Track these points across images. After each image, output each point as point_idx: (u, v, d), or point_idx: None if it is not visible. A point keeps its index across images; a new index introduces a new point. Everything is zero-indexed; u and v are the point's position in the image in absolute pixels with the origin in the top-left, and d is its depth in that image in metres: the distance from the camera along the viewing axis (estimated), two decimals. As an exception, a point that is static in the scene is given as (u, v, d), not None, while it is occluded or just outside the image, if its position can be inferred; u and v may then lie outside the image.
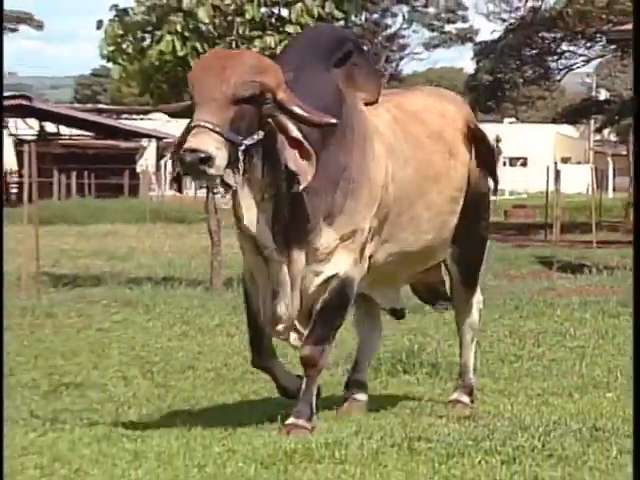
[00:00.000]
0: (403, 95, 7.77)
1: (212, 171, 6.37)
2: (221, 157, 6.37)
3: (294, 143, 6.60)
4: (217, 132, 6.38)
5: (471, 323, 8.07)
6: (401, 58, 63.98)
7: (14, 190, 43.65)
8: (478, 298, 8.11)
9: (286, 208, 6.76)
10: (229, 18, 15.86)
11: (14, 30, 43.82)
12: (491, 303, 13.89)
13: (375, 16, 57.73)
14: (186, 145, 6.35)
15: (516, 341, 11.16)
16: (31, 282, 15.95)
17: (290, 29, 15.91)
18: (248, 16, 15.77)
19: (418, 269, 7.81)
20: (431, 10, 62.31)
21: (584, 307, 13.46)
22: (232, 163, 6.46)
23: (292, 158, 6.60)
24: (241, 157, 6.47)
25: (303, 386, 7.03)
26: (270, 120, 6.58)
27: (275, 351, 7.40)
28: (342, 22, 16.66)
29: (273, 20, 16.16)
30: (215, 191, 6.61)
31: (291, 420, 6.93)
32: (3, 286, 8.10)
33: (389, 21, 60.93)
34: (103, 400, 8.42)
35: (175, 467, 6.18)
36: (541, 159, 56.76)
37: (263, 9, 15.94)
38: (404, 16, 61.13)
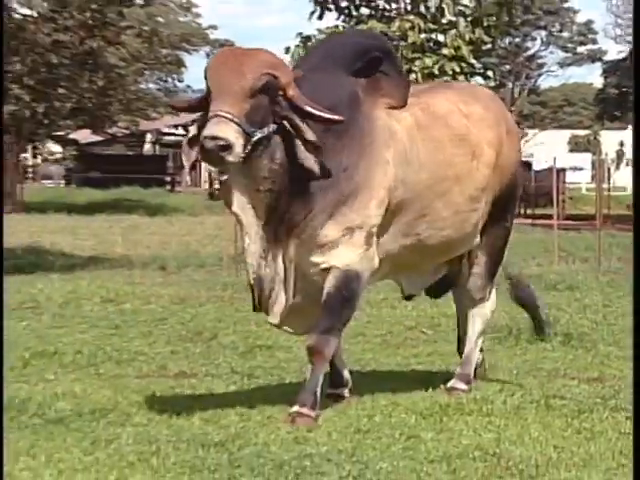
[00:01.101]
0: (434, 96, 6.84)
1: (230, 158, 5.71)
2: (239, 146, 5.70)
3: (309, 145, 5.90)
4: (235, 122, 5.71)
5: (483, 315, 7.13)
6: (539, 75, 63.02)
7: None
8: (493, 298, 7.16)
9: (283, 200, 6.00)
10: (394, 42, 15.83)
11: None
12: (616, 283, 13.64)
13: (517, 40, 56.99)
14: (206, 132, 5.69)
15: (638, 315, 10.91)
16: (230, 262, 16.14)
17: (445, 51, 15.83)
18: (410, 41, 15.74)
19: (440, 260, 6.91)
20: (565, 34, 61.25)
21: (697, 287, 13.08)
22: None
23: (308, 157, 5.91)
24: (249, 148, 5.76)
25: (308, 375, 6.25)
26: (284, 120, 5.90)
27: None
28: (490, 45, 16.54)
29: (431, 44, 16.10)
30: (218, 179, 6.01)
31: (295, 408, 6.07)
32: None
33: (529, 44, 60.11)
34: (289, 360, 8.46)
35: (348, 416, 6.20)
36: (660, 160, 55.22)
37: (423, 35, 15.89)
38: (542, 39, 60.22)
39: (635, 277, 6.10)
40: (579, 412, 6.25)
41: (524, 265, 16.32)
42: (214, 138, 5.66)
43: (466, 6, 16.13)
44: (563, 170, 38.99)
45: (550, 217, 19.66)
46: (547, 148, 51.66)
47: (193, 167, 6.14)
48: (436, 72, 15.76)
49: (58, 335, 9.35)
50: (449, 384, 6.96)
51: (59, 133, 45.78)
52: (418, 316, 10.63)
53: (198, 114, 6.05)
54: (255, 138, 5.75)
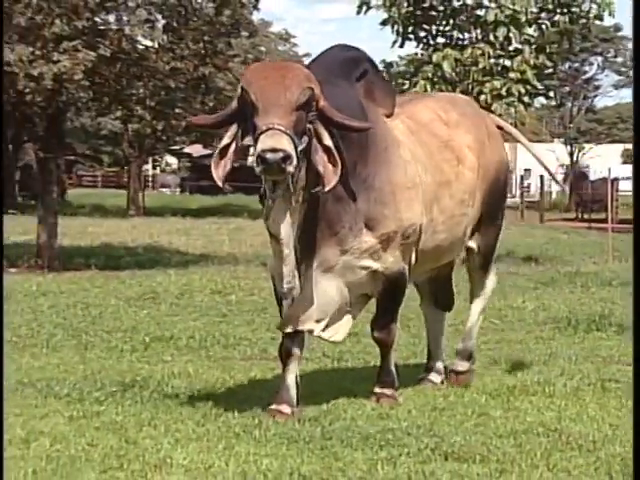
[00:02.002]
0: (415, 105, 6.32)
1: (290, 169, 5.10)
2: (295, 157, 5.14)
3: (325, 150, 5.34)
4: (288, 134, 5.15)
5: (484, 295, 6.72)
6: (595, 96, 62.16)
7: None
8: (492, 276, 6.74)
9: (315, 211, 5.49)
10: (466, 68, 15.73)
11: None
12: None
13: (576, 64, 56.29)
14: (265, 145, 5.09)
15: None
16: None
17: (512, 75, 15.66)
18: (481, 66, 15.60)
19: (430, 266, 6.35)
20: (619, 59, 60.36)
21: None
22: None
23: (322, 162, 5.32)
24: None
25: (381, 360, 6.01)
26: (309, 127, 5.33)
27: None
28: (552, 69, 16.34)
29: (499, 68, 15.94)
30: (274, 193, 5.22)
31: (377, 389, 5.93)
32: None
33: (587, 68, 59.34)
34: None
35: (426, 395, 6.17)
36: None
37: (492, 60, 15.75)
38: (598, 64, 59.39)
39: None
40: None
41: (582, 263, 16.10)
42: (274, 150, 5.08)
43: (531, 35, 15.95)
44: (616, 180, 38.32)
45: (605, 221, 19.35)
46: (602, 160, 50.95)
47: (226, 180, 5.42)
48: (504, 93, 15.62)
49: (174, 322, 9.45)
50: (452, 367, 6.59)
51: (175, 147, 46.36)
52: (487, 308, 10.52)
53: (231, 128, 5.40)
54: (300, 149, 5.21)
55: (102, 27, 15.72)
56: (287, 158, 5.10)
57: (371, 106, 5.81)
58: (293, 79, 5.28)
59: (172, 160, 61.64)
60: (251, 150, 5.29)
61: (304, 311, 5.60)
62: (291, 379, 5.73)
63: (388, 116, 5.95)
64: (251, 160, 5.25)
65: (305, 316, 5.61)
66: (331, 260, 5.60)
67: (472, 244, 6.53)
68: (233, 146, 5.42)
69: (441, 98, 6.80)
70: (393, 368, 5.99)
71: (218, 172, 5.43)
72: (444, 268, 6.61)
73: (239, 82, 5.50)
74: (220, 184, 5.45)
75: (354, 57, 5.88)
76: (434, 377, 6.59)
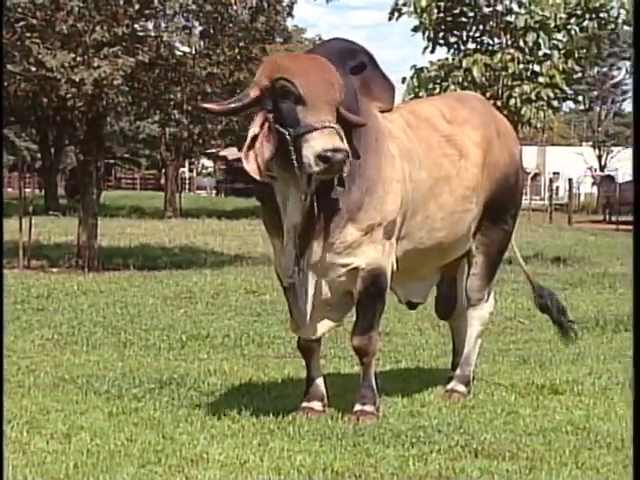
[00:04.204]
0: (419, 102, 6.12)
1: (346, 168, 5.03)
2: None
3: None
4: (339, 133, 5.03)
5: (481, 317, 6.18)
6: (623, 100, 61.79)
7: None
8: (491, 300, 6.25)
9: (317, 204, 5.22)
10: (496, 73, 15.67)
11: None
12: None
13: (604, 69, 55.96)
14: (327, 145, 4.92)
15: None
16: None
17: (541, 80, 15.59)
18: (510, 71, 15.54)
19: (436, 264, 6.01)
20: (646, 64, 59.99)
21: None
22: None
23: None
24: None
25: (361, 373, 5.54)
26: None
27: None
28: (580, 74, 16.26)
29: (528, 73, 15.88)
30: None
31: (358, 407, 5.46)
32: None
33: (615, 73, 58.99)
34: (404, 344, 8.43)
35: (456, 394, 6.13)
36: None
37: (521, 65, 15.69)
38: (626, 69, 59.00)
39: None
40: (660, 394, 6.09)
41: (609, 265, 15.99)
42: (338, 150, 4.95)
43: (560, 40, 15.88)
44: (644, 182, 37.97)
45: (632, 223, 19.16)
46: (630, 163, 50.62)
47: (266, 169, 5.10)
48: (533, 98, 15.55)
49: (209, 321, 9.48)
50: (449, 386, 6.11)
51: (211, 151, 46.51)
52: (516, 308, 10.48)
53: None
54: None
55: (141, 34, 15.81)
56: (347, 157, 4.98)
57: (364, 99, 5.52)
58: (334, 76, 5.14)
59: (208, 163, 61.89)
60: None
61: (304, 309, 5.35)
62: (317, 375, 5.67)
63: (386, 111, 5.67)
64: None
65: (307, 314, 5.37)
66: (317, 255, 5.30)
67: (473, 246, 6.09)
68: (264, 134, 5.12)
69: (449, 96, 6.58)
70: (374, 382, 5.53)
71: (251, 165, 5.11)
72: (448, 270, 6.18)
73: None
74: (257, 177, 5.12)
75: (351, 49, 5.61)
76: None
